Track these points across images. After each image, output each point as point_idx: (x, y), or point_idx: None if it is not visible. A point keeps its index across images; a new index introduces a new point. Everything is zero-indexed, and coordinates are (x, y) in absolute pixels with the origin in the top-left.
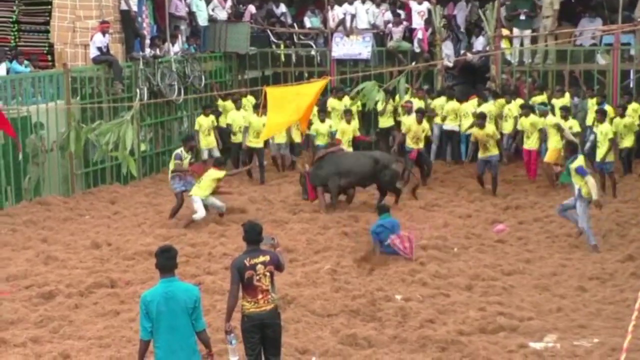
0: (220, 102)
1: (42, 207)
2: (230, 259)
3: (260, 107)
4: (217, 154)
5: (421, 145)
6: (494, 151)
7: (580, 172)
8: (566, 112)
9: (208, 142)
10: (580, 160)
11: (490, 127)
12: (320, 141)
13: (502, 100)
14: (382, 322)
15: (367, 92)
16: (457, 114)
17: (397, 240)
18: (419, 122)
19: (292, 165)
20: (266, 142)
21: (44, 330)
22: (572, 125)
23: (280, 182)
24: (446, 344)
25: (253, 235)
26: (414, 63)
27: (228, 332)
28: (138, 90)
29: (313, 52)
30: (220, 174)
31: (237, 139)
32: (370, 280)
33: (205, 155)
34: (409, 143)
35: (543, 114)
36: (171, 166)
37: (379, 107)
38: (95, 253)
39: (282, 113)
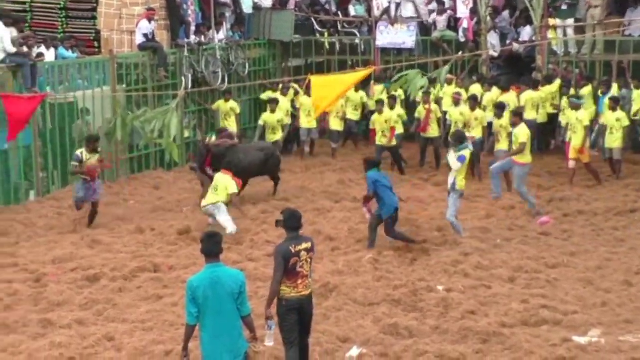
0: (262, 95)
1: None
2: (272, 246)
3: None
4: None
5: (475, 133)
6: (503, 145)
7: (460, 160)
8: (615, 103)
9: (226, 126)
10: (467, 151)
11: (504, 120)
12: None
13: (549, 87)
14: (423, 312)
15: (410, 79)
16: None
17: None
18: (472, 109)
19: (333, 153)
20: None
21: (89, 312)
22: (620, 117)
23: (322, 171)
24: (488, 335)
25: (294, 222)
26: (460, 53)
27: (269, 317)
28: (183, 79)
29: (357, 41)
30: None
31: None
32: (412, 270)
33: None
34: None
35: (575, 107)
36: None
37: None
38: (139, 238)
39: (326, 96)
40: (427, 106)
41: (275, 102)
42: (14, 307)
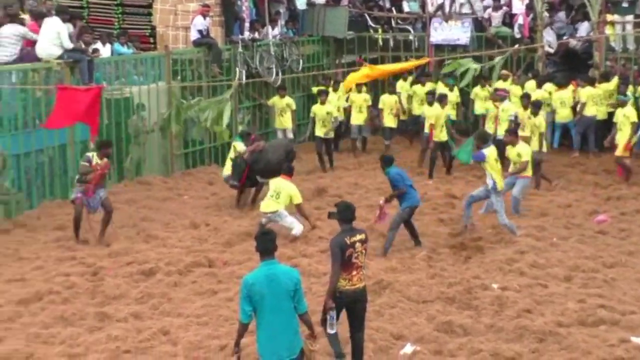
0: (314, 88)
1: (143, 186)
2: (325, 242)
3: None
4: (290, 135)
5: (528, 132)
6: (534, 145)
7: (476, 158)
8: None
9: (281, 122)
10: (490, 150)
11: (539, 118)
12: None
13: (606, 84)
14: (478, 310)
15: (463, 64)
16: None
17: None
18: (525, 107)
19: (386, 150)
20: (347, 128)
21: (145, 306)
22: None
23: (375, 167)
24: (544, 334)
25: (348, 214)
26: (516, 45)
27: (330, 308)
28: (237, 70)
29: (411, 37)
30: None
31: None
32: (467, 268)
33: (279, 135)
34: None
35: (622, 105)
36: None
37: (478, 92)
38: (193, 233)
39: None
40: (497, 104)
41: (325, 93)
42: (71, 300)
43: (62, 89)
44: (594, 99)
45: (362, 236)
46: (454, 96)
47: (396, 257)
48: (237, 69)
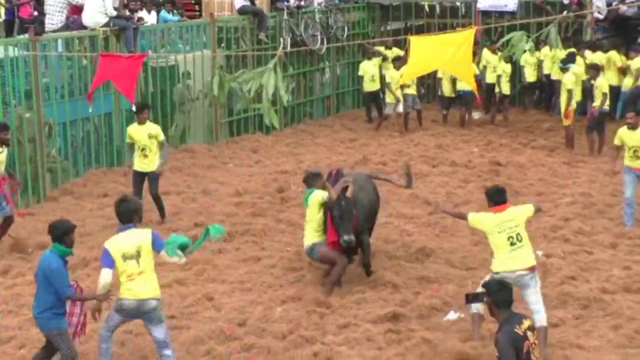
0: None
1: (187, 154)
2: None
3: (402, 59)
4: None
5: (599, 103)
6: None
7: None
8: None
9: (372, 87)
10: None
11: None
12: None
13: None
14: None
15: (516, 42)
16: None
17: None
18: (593, 78)
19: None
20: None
21: (189, 272)
22: None
23: (421, 135)
24: (588, 301)
25: (505, 295)
26: (565, 12)
27: None
28: (282, 40)
29: (458, 3)
30: None
31: (368, 87)
32: None
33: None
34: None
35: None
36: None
37: (528, 58)
38: (236, 200)
39: (424, 59)
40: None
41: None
42: None
43: (105, 57)
44: None
45: (529, 322)
46: (507, 68)
47: (441, 225)
48: (282, 39)
